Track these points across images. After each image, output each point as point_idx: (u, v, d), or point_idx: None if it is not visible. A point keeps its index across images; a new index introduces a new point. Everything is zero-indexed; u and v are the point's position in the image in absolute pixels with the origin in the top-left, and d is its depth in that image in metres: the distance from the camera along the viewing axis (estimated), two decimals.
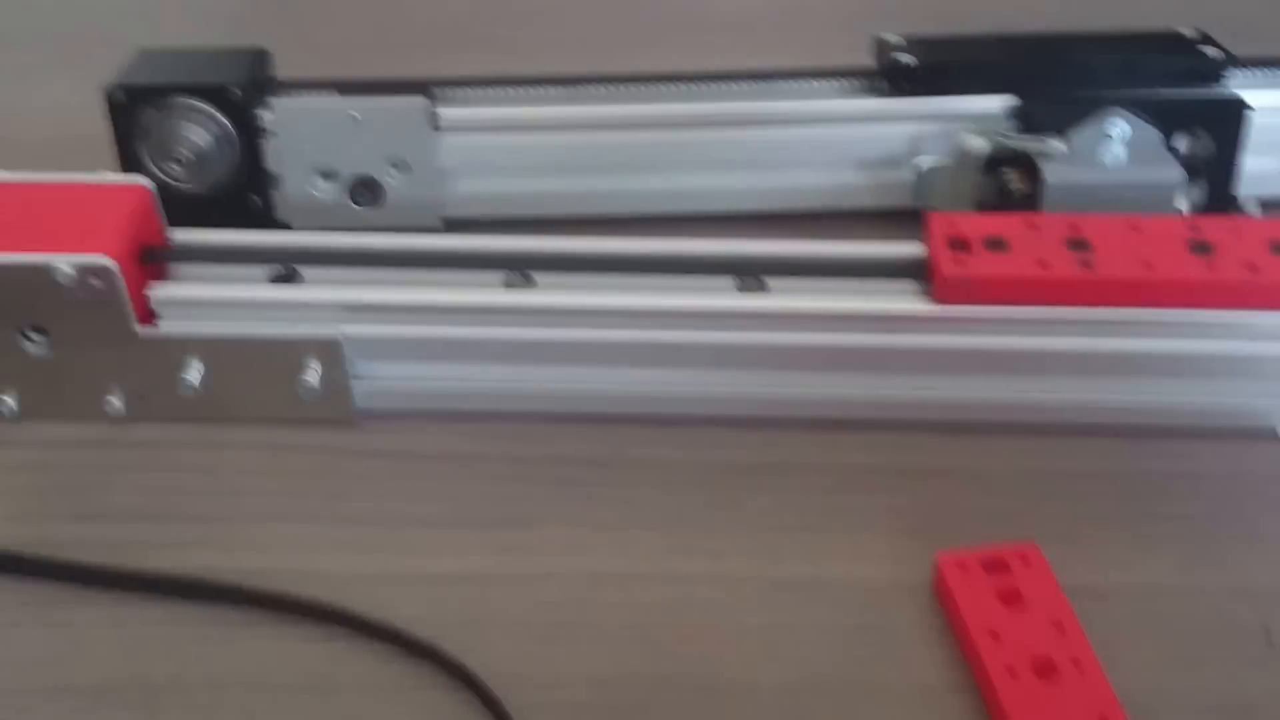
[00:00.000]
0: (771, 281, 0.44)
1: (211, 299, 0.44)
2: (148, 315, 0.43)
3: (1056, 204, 0.49)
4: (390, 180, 0.52)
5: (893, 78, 0.53)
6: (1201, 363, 0.43)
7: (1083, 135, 0.50)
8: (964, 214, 0.45)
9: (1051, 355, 0.43)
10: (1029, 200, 0.50)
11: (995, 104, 0.52)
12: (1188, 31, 0.55)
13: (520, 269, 0.45)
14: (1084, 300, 0.42)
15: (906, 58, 0.53)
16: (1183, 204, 0.50)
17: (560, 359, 0.45)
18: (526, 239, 0.46)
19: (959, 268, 0.42)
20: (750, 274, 0.44)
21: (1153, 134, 0.50)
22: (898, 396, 0.45)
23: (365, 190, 0.53)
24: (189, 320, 0.44)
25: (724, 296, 0.44)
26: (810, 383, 0.45)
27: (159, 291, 0.43)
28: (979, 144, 0.51)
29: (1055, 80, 0.52)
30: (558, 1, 0.69)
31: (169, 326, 0.44)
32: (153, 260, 0.44)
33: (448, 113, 0.52)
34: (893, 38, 0.54)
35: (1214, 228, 0.43)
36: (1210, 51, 0.54)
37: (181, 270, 0.45)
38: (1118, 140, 0.50)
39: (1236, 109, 0.52)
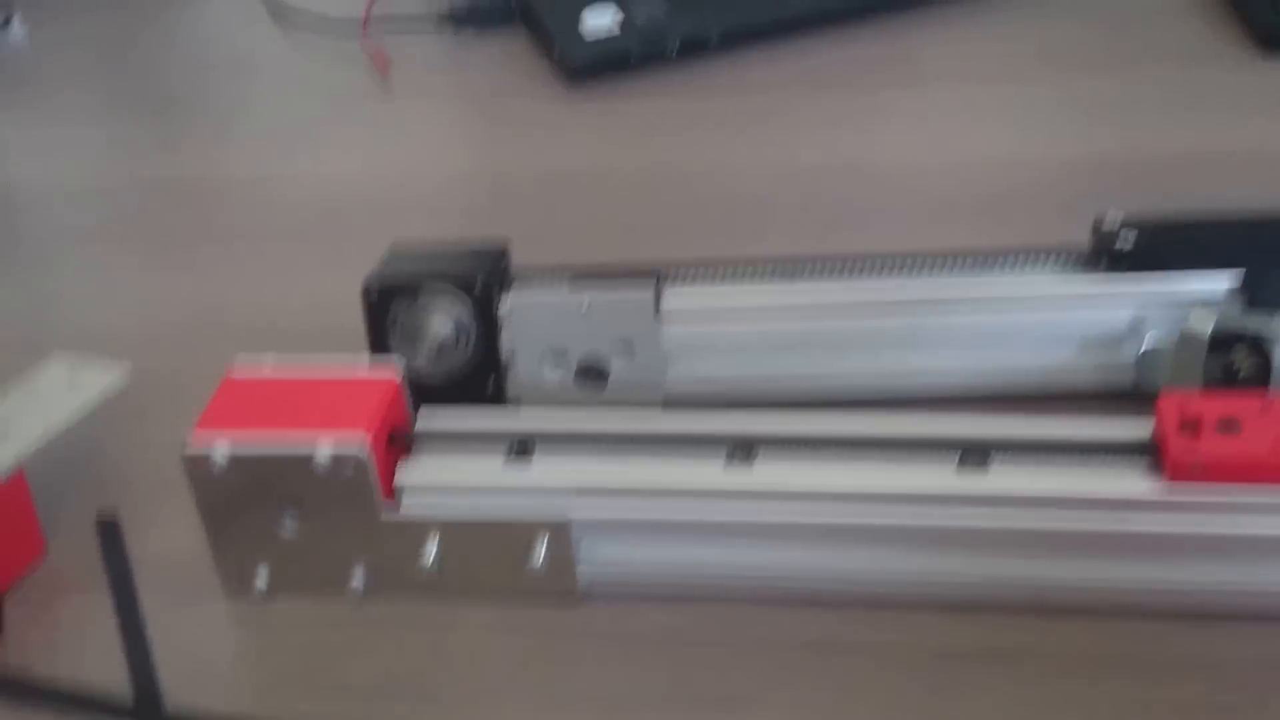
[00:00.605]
0: (993, 461, 0.44)
1: (450, 483, 0.46)
2: (392, 497, 0.46)
3: None
4: (615, 364, 0.55)
5: (1112, 257, 0.53)
6: None
7: None
8: (1194, 394, 0.44)
9: None
10: (1257, 380, 0.49)
11: (1220, 283, 0.51)
12: None
13: (741, 447, 0.46)
14: None
15: (1127, 236, 0.53)
16: None
17: (779, 541, 0.45)
18: (748, 416, 0.47)
19: (1190, 449, 0.41)
20: (971, 453, 0.44)
21: None
22: (1124, 582, 0.43)
23: (591, 373, 0.55)
24: (429, 502, 0.46)
25: (945, 479, 0.44)
26: (1033, 567, 0.44)
27: (403, 474, 0.46)
28: (1204, 324, 0.50)
29: None
30: (772, 187, 0.71)
31: (410, 508, 0.46)
32: (398, 444, 0.47)
33: (671, 300, 0.54)
34: (1111, 216, 0.54)
35: None
36: None
37: (423, 452, 0.47)
38: None
39: None
